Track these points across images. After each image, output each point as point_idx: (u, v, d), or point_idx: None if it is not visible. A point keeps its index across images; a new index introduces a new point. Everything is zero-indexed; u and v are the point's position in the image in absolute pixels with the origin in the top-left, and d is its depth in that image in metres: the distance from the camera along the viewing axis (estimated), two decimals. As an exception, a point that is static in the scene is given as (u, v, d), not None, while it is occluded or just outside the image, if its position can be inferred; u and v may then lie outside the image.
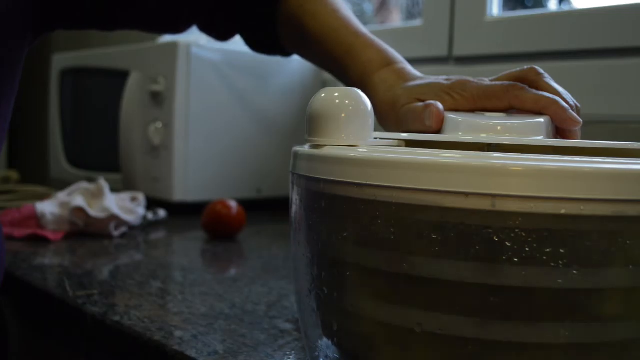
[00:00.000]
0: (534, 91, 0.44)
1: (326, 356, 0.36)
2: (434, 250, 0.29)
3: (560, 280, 0.28)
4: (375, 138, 0.37)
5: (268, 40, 0.67)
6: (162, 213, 1.01)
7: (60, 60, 1.38)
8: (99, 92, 1.28)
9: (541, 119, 0.42)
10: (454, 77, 0.49)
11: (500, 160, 0.28)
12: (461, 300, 0.29)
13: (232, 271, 0.76)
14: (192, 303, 0.57)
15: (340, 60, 0.58)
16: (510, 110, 0.45)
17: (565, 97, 0.44)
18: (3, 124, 0.57)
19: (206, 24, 0.68)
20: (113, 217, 0.86)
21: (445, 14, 1.04)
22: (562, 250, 0.27)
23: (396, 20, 1.45)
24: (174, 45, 1.05)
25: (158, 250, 0.84)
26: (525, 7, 1.15)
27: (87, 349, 0.57)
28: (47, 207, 0.86)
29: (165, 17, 0.67)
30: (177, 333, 0.49)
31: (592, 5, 0.90)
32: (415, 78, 0.52)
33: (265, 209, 1.15)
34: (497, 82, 0.46)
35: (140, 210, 0.95)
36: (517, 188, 0.27)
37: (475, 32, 1.00)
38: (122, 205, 0.91)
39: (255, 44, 0.69)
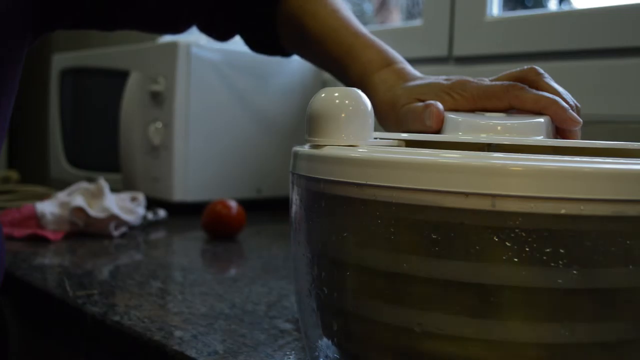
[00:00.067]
0: (534, 91, 0.44)
1: (326, 356, 0.36)
2: (434, 250, 0.29)
3: (560, 280, 0.28)
4: (375, 138, 0.37)
5: (268, 40, 0.67)
6: (162, 213, 1.01)
7: (60, 60, 1.38)
8: (99, 92, 1.28)
9: (541, 119, 0.42)
10: (454, 77, 0.49)
11: (500, 160, 0.28)
12: (461, 300, 0.29)
13: (232, 271, 0.76)
14: (192, 303, 0.57)
15: (340, 60, 0.58)
16: (510, 110, 0.45)
17: (565, 97, 0.44)
18: (3, 123, 0.57)
19: (206, 24, 0.68)
20: (113, 217, 0.86)
21: (445, 14, 1.04)
22: (562, 250, 0.27)
23: (396, 20, 1.45)
24: (174, 45, 1.05)
25: (158, 250, 0.84)
26: (525, 7, 1.15)
27: (87, 349, 0.57)
28: (47, 207, 0.86)
29: (165, 17, 0.67)
30: (177, 333, 0.49)
31: (592, 5, 0.90)
32: (415, 78, 0.52)
33: (265, 209, 1.15)
34: (497, 82, 0.46)
35: (140, 210, 0.95)
36: (517, 188, 0.27)
37: (475, 32, 1.00)
38: (122, 205, 0.91)
39: (255, 44, 0.69)
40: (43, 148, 1.71)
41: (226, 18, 0.67)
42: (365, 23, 0.99)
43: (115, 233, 0.87)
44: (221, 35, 0.69)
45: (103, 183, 0.91)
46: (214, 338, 0.48)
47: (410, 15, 1.38)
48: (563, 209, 0.27)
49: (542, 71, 0.46)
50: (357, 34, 0.58)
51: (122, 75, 1.14)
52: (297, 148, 0.37)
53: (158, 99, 1.07)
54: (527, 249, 0.27)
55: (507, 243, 0.27)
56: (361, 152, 0.33)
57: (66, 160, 1.35)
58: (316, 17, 0.60)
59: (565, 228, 0.27)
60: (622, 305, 0.29)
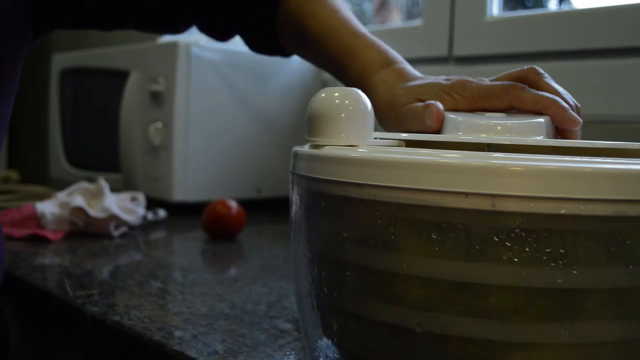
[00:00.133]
0: (534, 91, 0.44)
1: (326, 356, 0.36)
2: (434, 250, 0.29)
3: (560, 280, 0.28)
4: (375, 138, 0.37)
5: (268, 40, 0.67)
6: (162, 213, 1.01)
7: (60, 60, 1.38)
8: (99, 92, 1.28)
9: (541, 119, 0.42)
10: (454, 77, 0.49)
11: (500, 160, 0.28)
12: (461, 300, 0.29)
13: (232, 271, 0.76)
14: (192, 303, 0.57)
15: (340, 60, 0.58)
16: (510, 110, 0.45)
17: (565, 97, 0.44)
18: (3, 123, 0.57)
19: (206, 24, 0.68)
20: (113, 217, 0.86)
21: (445, 14, 1.04)
22: (562, 250, 0.27)
23: (396, 20, 1.45)
24: (174, 45, 1.05)
25: (158, 250, 0.84)
26: (525, 7, 1.15)
27: (87, 349, 0.57)
28: (47, 207, 0.86)
29: (165, 17, 0.67)
30: (177, 333, 0.49)
31: (592, 5, 0.90)
32: (415, 78, 0.52)
33: (265, 209, 1.15)
34: (497, 82, 0.46)
35: (140, 210, 0.95)
36: (517, 188, 0.27)
37: (475, 32, 1.00)
38: (122, 205, 0.91)
39: (255, 45, 0.69)
40: (43, 148, 1.71)
41: (226, 18, 0.67)
42: (365, 23, 0.99)
43: (115, 233, 0.87)
44: (221, 35, 0.69)
45: (103, 183, 0.91)
46: (214, 338, 0.48)
47: (410, 15, 1.38)
48: (563, 209, 0.27)
49: (542, 71, 0.46)
50: (357, 34, 0.58)
51: (122, 75, 1.14)
52: (297, 148, 0.37)
53: (158, 99, 1.07)
54: (527, 249, 0.27)
55: (507, 243, 0.27)
56: (361, 152, 0.33)
57: (66, 160, 1.35)
58: (316, 17, 0.60)
59: (565, 228, 0.27)
60: (622, 305, 0.29)
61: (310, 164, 0.35)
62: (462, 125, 0.42)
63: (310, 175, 0.34)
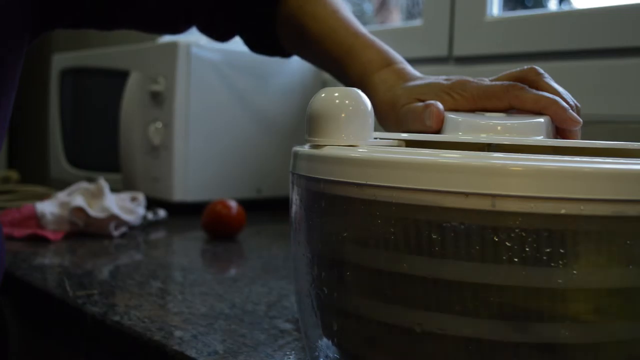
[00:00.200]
0: (534, 91, 0.44)
1: (326, 356, 0.36)
2: (434, 250, 0.29)
3: (560, 280, 0.28)
4: (375, 138, 0.37)
5: (268, 40, 0.67)
6: (162, 213, 1.01)
7: (60, 60, 1.38)
8: (99, 92, 1.28)
9: (541, 119, 0.42)
10: (454, 77, 0.49)
11: (500, 160, 0.28)
12: (461, 300, 0.29)
13: (232, 271, 0.76)
14: (192, 303, 0.57)
15: (340, 60, 0.58)
16: (510, 110, 0.45)
17: (565, 97, 0.44)
18: (3, 123, 0.57)
19: (206, 24, 0.68)
20: (113, 217, 0.86)
21: (445, 14, 1.04)
22: (562, 250, 0.27)
23: (396, 20, 1.45)
24: (174, 45, 1.05)
25: (158, 250, 0.84)
26: (525, 7, 1.15)
27: (87, 349, 0.57)
28: (47, 207, 0.86)
29: (165, 17, 0.67)
30: (177, 333, 0.49)
31: (592, 5, 0.90)
32: (415, 78, 0.52)
33: (265, 209, 1.15)
34: (497, 82, 0.46)
35: (140, 210, 0.95)
36: (517, 188, 0.27)
37: (475, 32, 1.00)
38: (122, 205, 0.91)
39: (255, 45, 0.69)
40: (43, 148, 1.71)
41: (226, 18, 0.67)
42: (365, 23, 0.99)
43: (115, 233, 0.87)
44: (221, 35, 0.69)
45: (103, 183, 0.91)
46: (214, 338, 0.48)
47: (410, 15, 1.38)
48: (563, 209, 0.27)
49: (542, 71, 0.46)
50: (357, 34, 0.58)
51: (122, 75, 1.14)
52: (297, 148, 0.37)
53: (158, 99, 1.07)
54: (527, 249, 0.27)
55: (507, 243, 0.27)
56: (361, 152, 0.33)
57: (66, 160, 1.35)
58: (316, 17, 0.60)
59: (565, 228, 0.27)
60: (622, 306, 0.29)
61: (310, 164, 0.35)
62: (462, 125, 0.42)
63: (310, 175, 0.34)
